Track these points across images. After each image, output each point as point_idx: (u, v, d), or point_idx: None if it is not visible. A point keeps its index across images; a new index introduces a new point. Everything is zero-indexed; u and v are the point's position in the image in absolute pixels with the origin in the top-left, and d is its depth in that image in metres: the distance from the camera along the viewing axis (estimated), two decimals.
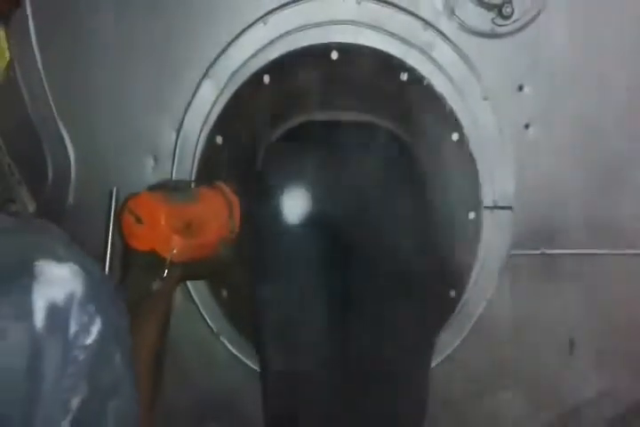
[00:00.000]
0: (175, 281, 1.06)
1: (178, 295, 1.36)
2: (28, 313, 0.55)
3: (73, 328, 0.56)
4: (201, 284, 1.37)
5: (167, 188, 1.12)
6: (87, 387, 0.56)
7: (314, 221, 1.28)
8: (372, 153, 1.34)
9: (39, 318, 0.55)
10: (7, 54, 0.80)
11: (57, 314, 0.56)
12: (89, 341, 0.57)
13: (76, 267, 0.58)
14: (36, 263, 0.56)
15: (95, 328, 0.57)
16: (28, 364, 0.54)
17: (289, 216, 1.31)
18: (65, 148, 1.34)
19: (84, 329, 0.57)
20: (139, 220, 1.03)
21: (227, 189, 1.20)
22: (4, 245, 0.57)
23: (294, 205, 1.31)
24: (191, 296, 1.36)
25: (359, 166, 1.31)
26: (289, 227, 1.29)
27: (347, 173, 1.32)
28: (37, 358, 0.55)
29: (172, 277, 1.04)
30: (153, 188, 1.14)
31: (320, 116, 1.36)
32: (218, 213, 1.16)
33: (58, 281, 0.56)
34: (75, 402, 0.56)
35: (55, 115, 1.26)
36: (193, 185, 1.23)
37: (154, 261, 1.03)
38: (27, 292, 0.55)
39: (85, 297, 0.57)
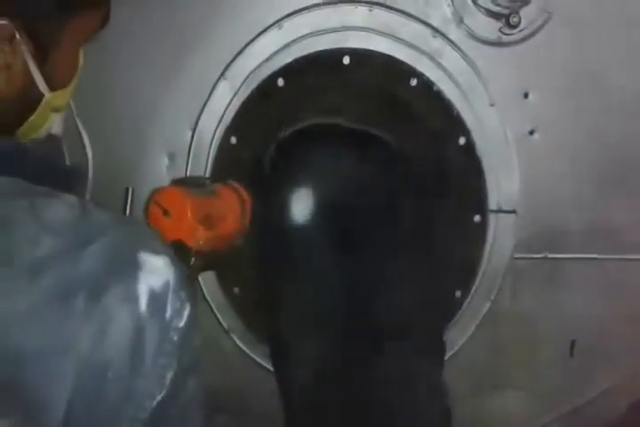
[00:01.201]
0: (199, 270, 1.11)
1: None
2: (134, 298, 0.61)
3: (169, 312, 0.63)
4: (213, 282, 1.40)
5: (187, 183, 1.16)
6: (177, 365, 0.62)
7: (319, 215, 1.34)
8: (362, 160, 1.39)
9: (143, 302, 0.61)
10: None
11: (156, 299, 0.62)
12: (181, 324, 0.63)
13: (168, 259, 0.64)
14: (139, 255, 0.63)
15: (185, 313, 0.64)
16: (132, 341, 0.60)
17: (296, 212, 1.36)
18: (83, 146, 1.36)
19: (178, 313, 0.63)
20: (165, 212, 1.06)
21: (239, 187, 1.25)
22: (112, 238, 0.63)
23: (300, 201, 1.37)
24: (203, 293, 1.38)
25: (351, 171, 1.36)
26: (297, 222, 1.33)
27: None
28: (140, 336, 0.61)
29: (196, 267, 1.07)
30: (174, 183, 1.17)
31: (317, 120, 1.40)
32: (233, 208, 1.21)
33: (157, 270, 0.63)
34: (168, 378, 0.62)
35: (74, 113, 1.28)
36: (209, 182, 1.27)
37: (180, 252, 1.06)
38: (134, 279, 0.61)
39: (178, 285, 0.63)
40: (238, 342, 1.42)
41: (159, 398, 0.61)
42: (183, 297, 0.64)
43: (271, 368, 1.41)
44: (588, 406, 1.51)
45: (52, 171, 0.73)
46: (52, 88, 0.79)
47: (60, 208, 0.64)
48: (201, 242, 1.05)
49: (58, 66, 0.79)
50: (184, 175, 1.38)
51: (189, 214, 1.06)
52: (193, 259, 1.05)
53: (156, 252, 0.64)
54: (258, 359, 1.42)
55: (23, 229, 0.62)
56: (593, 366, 1.50)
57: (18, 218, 0.62)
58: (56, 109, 0.83)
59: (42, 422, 0.57)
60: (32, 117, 0.79)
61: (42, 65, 0.76)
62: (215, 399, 1.38)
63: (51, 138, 0.84)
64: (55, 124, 0.85)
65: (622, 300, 1.47)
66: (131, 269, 0.62)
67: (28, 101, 0.78)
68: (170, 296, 0.63)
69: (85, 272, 0.60)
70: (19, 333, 0.58)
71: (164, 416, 0.62)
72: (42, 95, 0.78)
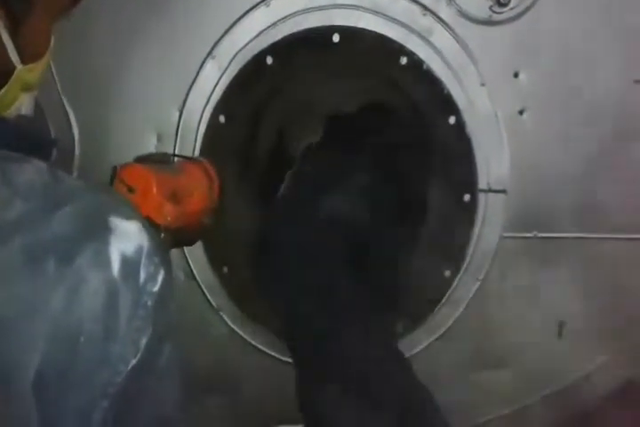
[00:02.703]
0: (167, 247, 1.09)
1: (179, 272, 1.39)
2: (106, 261, 0.61)
3: (142, 276, 0.63)
4: (202, 261, 1.40)
5: (151, 160, 1.14)
6: (151, 329, 0.62)
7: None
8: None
9: (115, 266, 0.61)
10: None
11: (129, 263, 0.62)
12: (155, 288, 0.63)
13: (140, 224, 0.65)
14: (110, 219, 0.63)
15: (160, 277, 0.64)
16: (105, 305, 0.60)
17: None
18: (69, 124, 1.35)
19: (152, 278, 0.63)
20: (130, 189, 1.05)
21: (207, 164, 1.24)
22: (83, 203, 0.63)
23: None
24: (192, 272, 1.38)
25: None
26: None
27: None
28: (114, 300, 0.61)
29: (165, 244, 1.06)
30: (138, 160, 1.16)
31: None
32: (199, 184, 1.20)
33: (129, 235, 0.63)
34: (142, 343, 0.62)
35: (60, 91, 1.27)
36: (173, 159, 1.26)
37: None
38: (105, 243, 0.62)
39: (151, 250, 0.64)
40: (228, 321, 1.42)
41: (134, 362, 0.61)
42: (157, 262, 0.64)
43: (260, 346, 1.41)
44: (574, 386, 1.51)
45: (25, 139, 0.73)
46: (24, 62, 0.79)
47: (31, 173, 0.64)
48: (169, 218, 1.04)
49: (29, 39, 0.78)
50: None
51: (155, 190, 1.04)
52: (162, 235, 1.04)
53: (127, 217, 0.65)
54: (248, 338, 1.42)
55: None
56: (581, 346, 1.51)
57: None
58: (26, 87, 0.82)
59: (12, 385, 0.57)
60: (2, 91, 0.78)
61: (14, 37, 0.76)
62: (205, 378, 1.39)
63: (20, 118, 0.83)
64: (25, 105, 0.83)
65: (612, 279, 1.48)
66: (102, 233, 0.62)
67: (0, 72, 0.77)
68: (143, 261, 0.63)
69: (56, 236, 0.60)
70: None
71: (138, 381, 0.62)
72: (13, 67, 0.78)
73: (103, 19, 1.36)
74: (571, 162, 1.45)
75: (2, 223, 0.60)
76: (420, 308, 1.47)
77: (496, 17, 1.40)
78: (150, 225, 1.02)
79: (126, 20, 1.36)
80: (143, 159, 1.16)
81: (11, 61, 0.77)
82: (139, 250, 0.63)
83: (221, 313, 1.41)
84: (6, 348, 0.57)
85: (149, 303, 0.62)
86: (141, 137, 1.38)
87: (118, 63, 1.36)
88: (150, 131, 1.39)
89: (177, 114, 1.38)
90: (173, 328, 0.66)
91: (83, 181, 0.68)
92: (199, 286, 1.39)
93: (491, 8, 1.40)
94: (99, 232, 0.62)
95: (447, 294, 1.46)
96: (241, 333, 1.42)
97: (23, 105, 0.83)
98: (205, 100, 1.38)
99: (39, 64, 0.82)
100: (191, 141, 1.38)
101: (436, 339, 1.45)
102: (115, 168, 1.26)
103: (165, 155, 1.29)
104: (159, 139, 1.39)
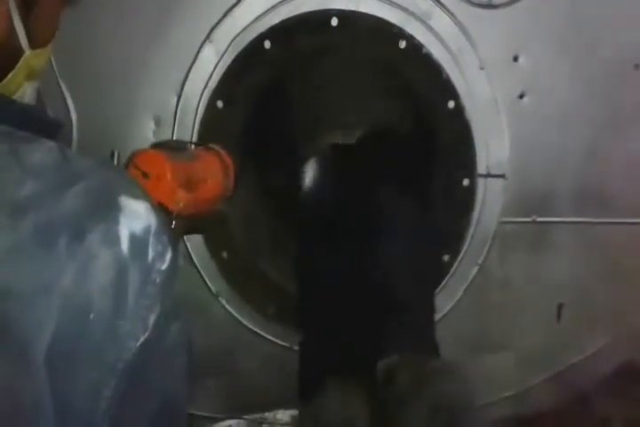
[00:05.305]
0: (180, 233, 1.10)
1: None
2: (115, 239, 0.62)
3: (151, 254, 0.63)
4: (201, 246, 1.40)
5: (167, 147, 1.15)
6: (160, 307, 0.63)
7: None
8: None
9: (124, 243, 0.62)
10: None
11: (138, 242, 0.63)
12: (163, 266, 0.64)
13: (149, 204, 0.66)
14: (120, 198, 0.64)
15: (167, 256, 0.64)
16: (115, 282, 0.61)
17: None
18: (67, 109, 1.35)
19: (160, 256, 0.64)
20: (145, 175, 1.05)
21: (222, 152, 1.24)
22: (93, 182, 0.64)
23: None
24: (191, 258, 1.38)
25: None
26: None
27: None
28: (123, 277, 0.61)
29: (177, 230, 1.07)
30: (155, 146, 1.16)
31: None
32: (214, 172, 1.20)
33: (137, 214, 0.64)
34: (151, 320, 0.62)
35: (57, 76, 1.27)
36: (190, 146, 1.27)
37: None
38: (114, 222, 0.62)
39: (159, 229, 0.64)
40: (227, 305, 1.43)
41: (142, 339, 0.62)
42: (165, 241, 0.64)
43: (259, 331, 1.42)
44: (573, 369, 1.52)
45: (34, 118, 0.73)
46: (32, 47, 0.78)
47: (42, 152, 0.64)
48: (181, 204, 1.05)
49: (39, 24, 0.78)
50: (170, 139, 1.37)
51: (169, 177, 1.05)
52: (174, 222, 1.04)
53: (136, 197, 0.65)
54: (246, 323, 1.43)
55: (5, 171, 0.62)
56: (579, 329, 1.51)
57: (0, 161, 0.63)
58: (31, 75, 0.82)
59: (25, 360, 0.57)
60: (9, 76, 0.78)
61: (25, 21, 0.76)
62: (205, 362, 1.40)
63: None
64: (27, 94, 0.84)
65: (609, 263, 1.48)
66: (111, 211, 0.63)
67: (8, 56, 0.77)
68: (151, 239, 0.63)
69: (67, 214, 0.61)
70: (1, 271, 0.58)
71: (148, 358, 0.63)
72: (21, 53, 0.78)
73: (101, 4, 1.35)
74: (570, 147, 1.45)
75: (14, 202, 0.60)
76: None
77: (495, 0, 1.40)
78: (163, 211, 1.03)
79: (124, 4, 1.35)
80: (159, 146, 1.17)
81: (19, 45, 0.77)
82: (147, 229, 0.63)
83: (220, 298, 1.42)
84: (19, 323, 0.58)
85: (158, 281, 0.63)
86: (139, 122, 1.38)
87: (116, 48, 1.36)
88: (148, 115, 1.38)
89: (175, 99, 1.38)
90: (180, 307, 0.67)
91: (93, 161, 0.68)
92: (198, 272, 1.39)
93: None
94: (108, 211, 0.63)
95: (446, 279, 1.46)
96: (239, 317, 1.42)
97: (26, 94, 0.83)
98: (203, 85, 1.37)
99: (45, 50, 0.82)
100: (189, 126, 1.38)
101: (436, 323, 1.45)
102: (113, 152, 1.27)
103: (181, 142, 1.31)
104: (157, 124, 1.38)
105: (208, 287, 1.41)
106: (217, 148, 1.24)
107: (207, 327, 1.38)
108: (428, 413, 1.17)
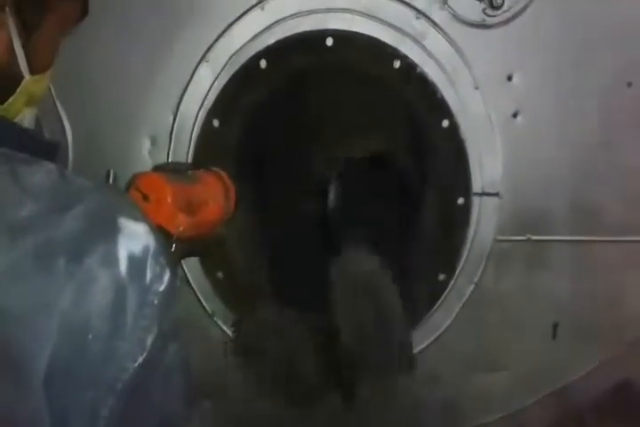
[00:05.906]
0: (180, 256, 1.10)
1: None
2: (114, 260, 0.62)
3: (149, 276, 0.64)
4: (196, 266, 1.39)
5: (169, 169, 1.15)
6: (157, 329, 0.64)
7: None
8: None
9: (123, 265, 0.62)
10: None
11: (136, 263, 0.63)
12: (161, 288, 0.65)
13: (147, 226, 0.66)
14: (119, 220, 0.64)
15: (166, 277, 0.65)
16: (113, 303, 0.61)
17: None
18: (63, 128, 1.35)
19: (158, 278, 0.64)
20: (145, 197, 1.05)
21: (223, 174, 1.24)
22: (92, 203, 0.65)
23: None
24: (187, 278, 1.38)
25: None
26: None
27: None
28: (121, 298, 0.62)
29: (176, 253, 1.07)
30: (156, 168, 1.17)
31: None
32: (215, 194, 1.20)
33: (136, 236, 0.65)
34: (149, 341, 0.63)
35: (53, 94, 1.27)
36: (191, 168, 1.27)
37: None
38: (113, 243, 0.63)
39: (157, 251, 0.65)
40: (222, 325, 1.42)
41: (140, 360, 0.62)
42: (163, 262, 0.65)
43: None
44: (570, 387, 1.52)
45: (33, 141, 0.74)
46: (32, 72, 0.79)
47: (41, 174, 0.65)
48: (181, 228, 1.05)
49: (39, 49, 0.79)
50: (166, 158, 1.37)
51: (169, 200, 1.05)
52: (174, 245, 1.04)
53: (135, 218, 0.66)
54: None
55: (4, 192, 0.62)
56: (575, 348, 1.51)
57: None
58: (30, 101, 0.82)
59: (23, 379, 0.58)
60: (9, 100, 0.78)
61: (25, 46, 0.77)
62: (199, 383, 1.39)
63: None
64: (26, 120, 0.84)
65: (605, 282, 1.48)
66: (111, 233, 0.63)
67: (8, 81, 0.78)
68: (150, 261, 0.64)
69: (66, 235, 0.61)
70: (0, 291, 0.58)
71: (146, 379, 0.63)
72: (21, 78, 0.78)
73: (98, 24, 1.35)
74: (564, 165, 1.45)
75: (13, 223, 0.60)
76: (415, 311, 1.47)
77: (489, 20, 1.41)
78: (163, 234, 1.03)
79: (120, 24, 1.35)
80: (160, 168, 1.17)
81: (19, 71, 0.77)
82: (145, 250, 0.64)
83: (215, 318, 1.41)
84: (19, 343, 0.58)
85: (155, 302, 0.63)
86: (135, 141, 1.38)
87: (112, 67, 1.36)
88: (144, 134, 1.39)
89: (171, 118, 1.38)
90: (179, 328, 0.68)
91: (92, 182, 0.68)
92: (193, 292, 1.39)
93: (484, 11, 1.40)
94: (107, 232, 0.63)
95: (442, 297, 1.46)
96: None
97: (25, 119, 0.84)
98: (199, 104, 1.38)
99: (45, 76, 0.82)
100: (185, 145, 1.38)
101: (432, 342, 1.45)
102: (109, 171, 1.27)
103: (182, 164, 1.31)
104: (153, 142, 1.39)
105: (204, 308, 1.40)
106: (218, 170, 1.24)
107: (203, 348, 1.37)
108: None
